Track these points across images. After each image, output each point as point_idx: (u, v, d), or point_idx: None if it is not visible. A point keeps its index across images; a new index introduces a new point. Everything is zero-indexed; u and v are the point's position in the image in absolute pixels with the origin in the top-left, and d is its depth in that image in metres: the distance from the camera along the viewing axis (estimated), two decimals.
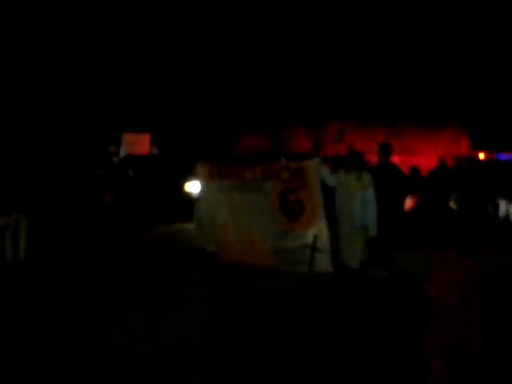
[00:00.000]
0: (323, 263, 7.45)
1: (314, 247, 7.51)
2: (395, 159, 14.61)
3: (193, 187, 11.84)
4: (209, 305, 6.37)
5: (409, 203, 12.65)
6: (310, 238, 7.53)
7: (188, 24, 19.70)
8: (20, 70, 17.05)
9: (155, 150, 20.89)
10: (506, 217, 12.10)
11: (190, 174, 11.77)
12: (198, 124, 19.96)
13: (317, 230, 7.51)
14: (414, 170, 12.77)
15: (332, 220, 7.82)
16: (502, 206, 12.22)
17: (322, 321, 5.72)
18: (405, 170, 13.50)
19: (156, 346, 5.09)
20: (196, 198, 9.20)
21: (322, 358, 4.73)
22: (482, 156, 13.40)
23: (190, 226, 10.07)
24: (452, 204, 12.38)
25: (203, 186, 8.66)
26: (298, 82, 18.15)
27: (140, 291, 6.99)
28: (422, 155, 16.61)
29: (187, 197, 11.95)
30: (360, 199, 7.43)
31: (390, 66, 17.50)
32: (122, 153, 18.67)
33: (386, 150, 8.20)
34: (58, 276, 7.88)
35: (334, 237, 7.70)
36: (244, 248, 8.21)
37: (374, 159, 10.33)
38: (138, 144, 20.81)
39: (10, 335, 5.40)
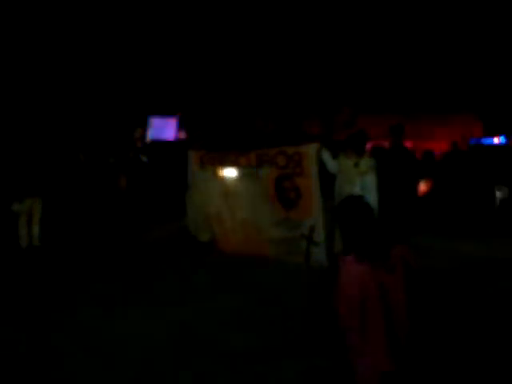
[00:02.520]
0: (319, 257, 7.00)
1: (310, 239, 7.06)
2: (408, 144, 14.18)
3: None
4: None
5: (423, 187, 12.18)
6: (306, 229, 7.07)
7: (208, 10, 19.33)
8: (41, 49, 16.98)
9: (183, 135, 20.75)
10: None
11: None
12: (223, 109, 19.73)
13: (313, 221, 7.04)
14: (428, 154, 12.32)
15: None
16: None
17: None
18: (418, 154, 13.08)
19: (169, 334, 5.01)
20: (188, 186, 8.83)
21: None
22: (496, 140, 12.81)
23: None
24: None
25: (194, 174, 8.19)
26: (312, 68, 17.78)
27: (143, 281, 6.78)
28: (435, 140, 16.07)
29: None
30: (359, 186, 6.91)
31: (403, 54, 16.94)
32: (149, 137, 18.67)
33: (398, 132, 7.82)
34: (68, 263, 7.77)
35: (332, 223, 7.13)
36: (239, 238, 7.80)
37: (386, 144, 9.97)
38: (165, 128, 20.73)
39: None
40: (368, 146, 8.28)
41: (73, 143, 11.77)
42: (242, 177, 7.58)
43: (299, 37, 17.81)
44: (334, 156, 7.45)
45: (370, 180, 6.92)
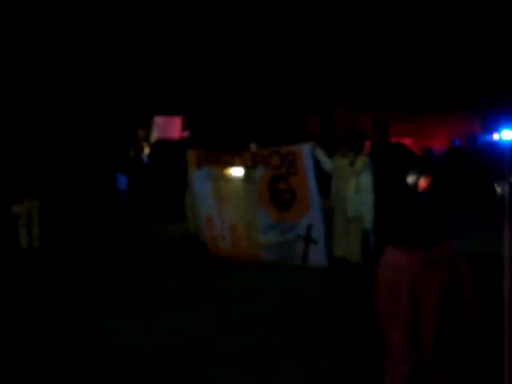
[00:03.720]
0: (318, 256, 6.79)
1: (307, 238, 6.84)
2: (407, 141, 14.03)
3: None
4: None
5: (423, 184, 12.01)
6: (302, 229, 6.86)
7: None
8: (44, 48, 16.83)
9: (188, 134, 20.62)
10: None
11: None
12: (224, 109, 19.61)
13: (310, 219, 6.83)
14: (427, 151, 12.21)
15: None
16: None
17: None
18: (417, 151, 12.96)
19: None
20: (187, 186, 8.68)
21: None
22: (496, 137, 12.61)
23: None
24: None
25: (192, 174, 7.91)
26: (310, 66, 17.64)
27: (135, 287, 6.54)
28: (434, 137, 15.87)
29: None
30: (354, 186, 6.68)
31: (401, 50, 16.74)
32: (154, 137, 18.61)
33: (382, 128, 7.62)
34: (67, 265, 7.69)
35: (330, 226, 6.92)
36: (228, 245, 7.59)
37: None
38: (170, 128, 20.61)
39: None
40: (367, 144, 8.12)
41: (74, 144, 11.72)
42: (236, 179, 7.38)
43: (297, 36, 17.65)
44: (330, 155, 7.33)
45: (365, 180, 6.71)
